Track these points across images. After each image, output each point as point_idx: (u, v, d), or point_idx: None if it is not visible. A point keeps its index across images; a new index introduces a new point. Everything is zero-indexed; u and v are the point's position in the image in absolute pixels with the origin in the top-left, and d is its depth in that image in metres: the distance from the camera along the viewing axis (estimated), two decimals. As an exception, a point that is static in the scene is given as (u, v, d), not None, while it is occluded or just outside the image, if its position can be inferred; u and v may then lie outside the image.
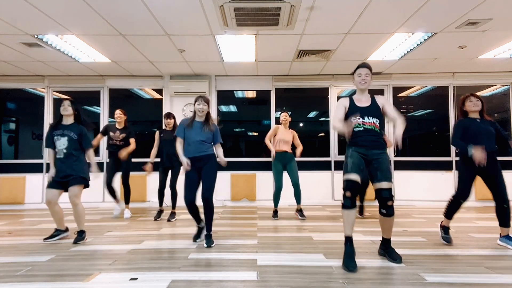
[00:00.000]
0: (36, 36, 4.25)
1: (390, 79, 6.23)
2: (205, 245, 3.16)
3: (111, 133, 4.91)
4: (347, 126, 2.54)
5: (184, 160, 3.21)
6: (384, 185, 2.59)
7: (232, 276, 2.37)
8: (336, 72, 6.09)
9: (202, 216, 3.35)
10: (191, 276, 2.36)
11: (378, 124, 2.66)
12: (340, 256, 2.80)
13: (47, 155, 3.33)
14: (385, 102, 2.75)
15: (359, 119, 2.65)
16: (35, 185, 6.10)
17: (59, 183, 3.36)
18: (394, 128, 2.59)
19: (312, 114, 7.15)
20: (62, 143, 3.37)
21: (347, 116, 2.71)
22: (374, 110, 2.68)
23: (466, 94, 3.22)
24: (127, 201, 4.97)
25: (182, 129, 3.32)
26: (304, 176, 5.98)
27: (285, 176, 4.66)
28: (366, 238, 3.49)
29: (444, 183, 6.03)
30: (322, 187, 6.10)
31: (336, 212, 5.02)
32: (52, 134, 3.42)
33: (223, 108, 6.93)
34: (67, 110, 3.42)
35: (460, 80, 6.20)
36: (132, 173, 6.01)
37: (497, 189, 3.06)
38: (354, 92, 2.86)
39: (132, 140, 4.92)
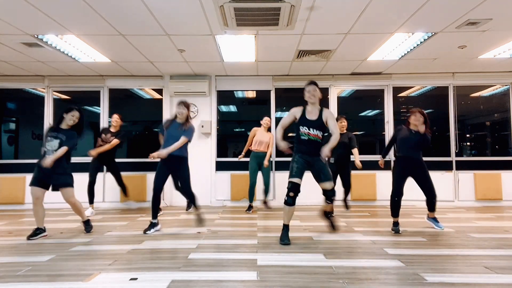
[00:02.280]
0: (36, 36, 4.25)
1: (390, 79, 6.23)
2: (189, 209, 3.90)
3: (103, 135, 5.13)
4: (284, 145, 3.34)
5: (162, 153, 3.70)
6: (327, 185, 3.41)
7: (232, 276, 2.37)
8: (336, 72, 6.09)
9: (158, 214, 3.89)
10: (191, 276, 2.36)
11: (320, 136, 3.36)
12: (340, 256, 2.81)
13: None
14: (329, 116, 3.36)
15: (305, 129, 3.34)
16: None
17: (43, 182, 3.54)
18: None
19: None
20: (53, 144, 3.55)
21: (297, 125, 3.39)
22: (319, 124, 3.34)
23: (415, 109, 3.86)
24: (126, 194, 5.37)
25: (161, 128, 3.91)
26: (305, 176, 5.98)
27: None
28: (366, 238, 3.49)
29: (444, 183, 6.04)
30: (322, 187, 6.10)
31: (337, 213, 5.02)
32: (47, 133, 3.63)
33: (223, 108, 6.94)
34: (74, 121, 3.63)
35: (460, 80, 6.20)
36: (131, 173, 6.04)
37: (426, 186, 3.77)
38: (307, 103, 3.44)
39: (115, 140, 5.09)
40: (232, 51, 4.96)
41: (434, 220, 3.99)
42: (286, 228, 3.35)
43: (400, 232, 3.74)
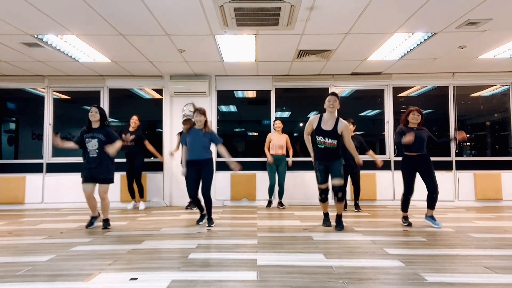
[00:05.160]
0: (36, 36, 4.25)
1: (390, 79, 6.23)
2: (207, 225, 4.06)
3: (123, 135, 5.49)
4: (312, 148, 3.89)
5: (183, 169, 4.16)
6: (335, 182, 3.75)
7: (232, 276, 2.37)
8: (336, 72, 6.09)
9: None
10: (191, 276, 2.36)
11: (335, 144, 3.73)
12: (340, 256, 2.81)
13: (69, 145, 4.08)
14: (344, 129, 3.71)
15: (321, 139, 3.73)
16: (35, 185, 6.09)
17: (92, 177, 3.95)
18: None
19: (312, 114, 7.14)
20: (93, 144, 3.95)
21: (313, 134, 3.78)
22: (334, 134, 3.70)
23: (412, 108, 4.06)
24: (141, 195, 5.70)
25: (184, 138, 4.17)
26: (305, 176, 5.99)
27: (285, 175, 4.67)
28: (366, 238, 3.49)
29: (444, 183, 6.03)
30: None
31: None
32: (83, 136, 4.00)
33: (223, 108, 6.94)
34: (94, 116, 3.97)
35: (460, 80, 6.20)
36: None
37: (430, 181, 3.93)
38: (325, 110, 3.80)
39: (145, 142, 5.69)
40: (232, 51, 4.96)
41: (432, 218, 4.06)
42: (326, 215, 4.07)
43: (412, 225, 4.02)
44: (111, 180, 4.05)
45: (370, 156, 5.16)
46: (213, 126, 6.25)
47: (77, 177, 3.94)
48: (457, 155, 6.19)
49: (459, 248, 3.10)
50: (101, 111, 4.03)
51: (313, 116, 3.82)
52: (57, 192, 6.06)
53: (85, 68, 5.68)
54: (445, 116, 6.29)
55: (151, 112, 6.65)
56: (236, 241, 3.37)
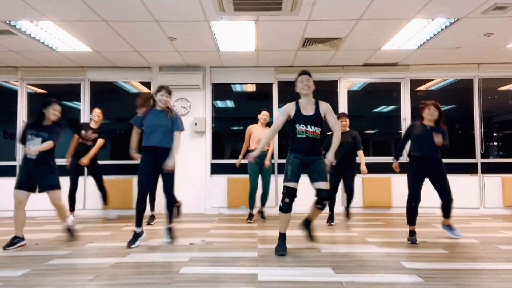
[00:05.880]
0: (8, 22, 4.24)
1: (407, 71, 6.23)
2: (166, 240, 3.75)
3: (82, 132, 5.17)
4: (251, 157, 3.61)
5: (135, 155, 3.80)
6: (322, 185, 3.33)
7: (229, 293, 2.36)
8: (347, 63, 6.08)
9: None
10: (183, 293, 2.35)
11: (318, 133, 3.38)
12: (351, 271, 2.80)
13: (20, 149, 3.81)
14: (327, 110, 3.40)
15: (302, 127, 3.34)
16: (7, 190, 6.02)
17: (28, 184, 3.65)
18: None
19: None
20: (35, 143, 3.61)
21: (292, 123, 3.39)
22: (316, 120, 3.37)
23: (428, 102, 3.94)
24: (106, 201, 5.40)
25: (139, 118, 3.78)
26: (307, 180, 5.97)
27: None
28: (380, 250, 3.49)
29: (468, 188, 6.03)
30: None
31: (338, 221, 5.02)
32: (25, 133, 3.69)
33: (219, 104, 6.94)
34: (57, 116, 3.72)
35: (486, 72, 6.19)
36: (115, 177, 6.03)
37: (442, 188, 3.80)
38: (300, 97, 3.47)
39: (100, 142, 5.25)
40: (229, 40, 4.95)
41: (449, 227, 4.01)
42: (282, 237, 3.40)
43: (418, 242, 3.74)
44: (58, 186, 3.76)
45: (358, 156, 4.90)
46: (208, 123, 6.25)
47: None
48: (482, 156, 6.18)
49: (485, 261, 3.09)
50: (63, 113, 3.80)
51: (287, 104, 3.47)
52: (31, 198, 6.03)
53: (63, 58, 5.68)
54: (469, 113, 6.29)
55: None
56: (233, 254, 3.36)
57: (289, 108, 3.41)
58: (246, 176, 5.26)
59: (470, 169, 6.12)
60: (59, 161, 5.62)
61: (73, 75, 6.23)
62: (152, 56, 5.68)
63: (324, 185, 3.33)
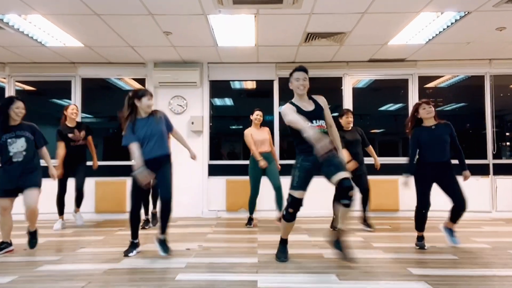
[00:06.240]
0: (-5, 16, 4.25)
1: (415, 67, 6.23)
2: (162, 253, 3.49)
3: (70, 135, 5.06)
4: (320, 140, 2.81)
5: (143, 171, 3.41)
6: (342, 175, 3.01)
7: (228, 301, 2.37)
8: (351, 58, 6.09)
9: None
10: (179, 301, 2.36)
11: (325, 126, 3.22)
12: (356, 278, 2.81)
13: None
14: (324, 103, 3.32)
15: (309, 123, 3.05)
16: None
17: (12, 190, 3.62)
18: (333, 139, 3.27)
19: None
20: (19, 145, 3.61)
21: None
22: (319, 112, 3.25)
23: (418, 102, 3.88)
24: (78, 205, 5.23)
25: (131, 132, 3.49)
26: (312, 182, 5.97)
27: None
28: (387, 256, 3.50)
29: (479, 190, 6.02)
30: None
31: (352, 225, 5.02)
32: (1, 138, 3.61)
33: (217, 102, 6.94)
34: (22, 113, 3.69)
35: (498, 68, 6.19)
36: (108, 179, 6.04)
37: (457, 196, 3.66)
38: (292, 97, 3.35)
39: (90, 139, 5.28)
40: (228, 34, 4.95)
41: (450, 232, 3.92)
42: (283, 242, 3.38)
43: (426, 248, 3.74)
44: (40, 186, 3.73)
45: (369, 153, 4.96)
46: (205, 122, 6.26)
47: (44, 183, 3.85)
48: (494, 157, 6.18)
49: (497, 267, 3.10)
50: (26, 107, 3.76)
51: (286, 106, 3.24)
52: (19, 201, 6.04)
53: (53, 54, 5.68)
54: (480, 111, 6.29)
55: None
56: (232, 260, 3.37)
57: (291, 106, 3.21)
58: (246, 177, 5.26)
59: (481, 171, 6.12)
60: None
61: (64, 71, 6.23)
62: (146, 51, 5.68)
63: (344, 174, 3.01)
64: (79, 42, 5.17)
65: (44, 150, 3.86)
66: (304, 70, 3.26)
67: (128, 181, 6.09)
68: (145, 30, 4.76)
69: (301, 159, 3.17)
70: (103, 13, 4.23)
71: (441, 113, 6.54)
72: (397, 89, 6.55)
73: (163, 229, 3.58)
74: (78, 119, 5.34)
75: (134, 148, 3.43)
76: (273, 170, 5.05)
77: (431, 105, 3.78)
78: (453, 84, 6.57)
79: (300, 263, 3.24)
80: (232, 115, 7.60)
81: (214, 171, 6.17)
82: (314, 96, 3.35)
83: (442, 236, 4.38)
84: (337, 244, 3.13)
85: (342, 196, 2.99)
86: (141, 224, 4.69)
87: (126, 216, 5.98)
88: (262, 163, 4.91)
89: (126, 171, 5.98)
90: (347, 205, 2.99)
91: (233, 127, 7.58)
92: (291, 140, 3.36)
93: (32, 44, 5.20)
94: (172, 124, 3.77)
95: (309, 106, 3.25)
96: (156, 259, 3.43)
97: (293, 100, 3.30)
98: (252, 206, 5.19)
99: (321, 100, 3.34)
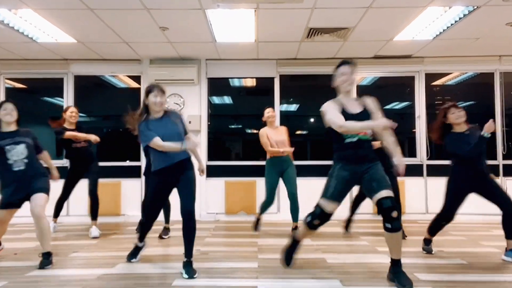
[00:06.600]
0: (-16, 10, 4.25)
1: (421, 63, 6.23)
2: (185, 276, 3.00)
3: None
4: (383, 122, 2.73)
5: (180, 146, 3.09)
6: (383, 193, 2.75)
7: (227, 307, 2.36)
8: (355, 55, 6.08)
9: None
10: (176, 308, 2.35)
11: (370, 133, 2.94)
12: (360, 283, 2.80)
13: None
14: (374, 106, 3.04)
15: None
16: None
17: (16, 202, 3.46)
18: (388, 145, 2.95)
19: (326, 107, 7.13)
20: (19, 152, 3.44)
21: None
22: (367, 118, 2.90)
23: (445, 106, 3.67)
24: (94, 216, 4.89)
25: (147, 129, 3.15)
26: (314, 184, 5.96)
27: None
28: (393, 260, 3.49)
29: (488, 192, 6.02)
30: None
31: (356, 229, 5.02)
32: None
33: (216, 100, 6.94)
34: (12, 116, 3.53)
35: (509, 65, 6.19)
36: (104, 180, 6.01)
37: (500, 199, 3.50)
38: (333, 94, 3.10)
39: (94, 137, 5.02)
40: (226, 29, 4.95)
41: None
42: (295, 244, 3.22)
43: (434, 252, 3.74)
44: (48, 191, 3.55)
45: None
46: (203, 121, 6.25)
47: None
48: (504, 157, 6.18)
49: (507, 273, 3.10)
50: (17, 108, 3.61)
51: (328, 103, 2.99)
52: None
53: (45, 50, 5.68)
54: (489, 109, 6.29)
55: (126, 105, 6.64)
56: (231, 265, 3.37)
57: (333, 104, 2.95)
58: (246, 179, 5.26)
59: (491, 172, 6.09)
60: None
61: (56, 68, 6.23)
62: (142, 47, 5.68)
63: (386, 192, 2.75)
64: (72, 38, 5.17)
65: (46, 153, 3.86)
66: (350, 64, 3.00)
67: (123, 182, 6.16)
68: (141, 26, 4.76)
69: (339, 168, 2.93)
70: (96, 8, 4.22)
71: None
72: (403, 86, 6.54)
73: (188, 251, 3.14)
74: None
75: (160, 142, 3.04)
76: (290, 175, 4.78)
77: (461, 108, 3.59)
78: (461, 82, 6.57)
79: (302, 268, 3.24)
80: (231, 114, 7.59)
81: (212, 172, 6.16)
82: (364, 97, 3.10)
83: (450, 240, 4.38)
84: (396, 276, 2.79)
85: (383, 219, 2.75)
86: (160, 233, 4.62)
87: (121, 219, 6.03)
88: (282, 150, 4.68)
89: (120, 172, 6.00)
90: (390, 230, 2.72)
91: (232, 126, 7.58)
92: (327, 142, 3.13)
93: (22, 40, 5.20)
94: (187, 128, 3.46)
95: (355, 108, 2.98)
96: (152, 263, 3.43)
97: (338, 98, 3.04)
98: (263, 211, 4.96)
99: (370, 101, 3.07)
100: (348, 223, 4.84)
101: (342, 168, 2.91)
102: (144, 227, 3.51)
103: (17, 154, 3.45)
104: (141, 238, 3.53)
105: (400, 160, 2.87)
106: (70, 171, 4.99)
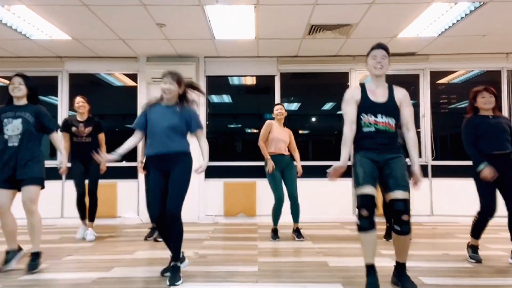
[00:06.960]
0: (-24, 6, 4.25)
1: (426, 61, 6.23)
2: (167, 284, 2.81)
3: (73, 129, 4.78)
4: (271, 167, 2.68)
5: (110, 157, 3.08)
6: (398, 194, 2.66)
7: (226, 312, 2.36)
8: (358, 52, 6.08)
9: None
10: (174, 313, 2.35)
11: (393, 125, 2.81)
12: (363, 286, 2.79)
13: None
14: (404, 99, 2.91)
15: (370, 117, 2.79)
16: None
17: (10, 181, 3.21)
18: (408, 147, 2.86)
19: (328, 106, 7.15)
20: (15, 126, 3.26)
21: (358, 113, 2.82)
22: (391, 109, 2.82)
23: (478, 88, 3.55)
24: (91, 218, 4.81)
25: (143, 116, 3.16)
26: (316, 185, 5.97)
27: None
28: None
29: (496, 194, 6.01)
30: (340, 199, 6.09)
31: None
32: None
33: (214, 99, 6.94)
34: (20, 89, 3.36)
35: (516, 62, 6.21)
36: (100, 181, 6.00)
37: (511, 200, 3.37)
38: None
39: (102, 136, 4.93)
40: (226, 26, 4.96)
41: None
42: (371, 272, 2.70)
43: (482, 262, 3.48)
44: (41, 181, 3.30)
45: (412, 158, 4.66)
46: (202, 121, 6.24)
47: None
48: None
49: (516, 276, 3.09)
50: (29, 83, 3.43)
51: (350, 89, 2.99)
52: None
53: (39, 47, 5.68)
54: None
55: (123, 103, 6.66)
56: (230, 268, 3.36)
57: (354, 93, 2.89)
58: (245, 180, 5.26)
59: None
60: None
61: (50, 66, 6.23)
62: (138, 44, 5.68)
63: (401, 194, 2.66)
64: (66, 34, 5.17)
65: (54, 135, 3.49)
66: (384, 47, 2.95)
67: (119, 184, 6.16)
68: (137, 22, 4.76)
69: (360, 155, 2.81)
70: (92, 4, 4.22)
71: (453, 111, 6.61)
72: (407, 85, 6.52)
73: (173, 254, 2.97)
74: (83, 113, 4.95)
75: (133, 136, 3.16)
76: (291, 176, 4.73)
77: (492, 95, 3.47)
78: (467, 80, 6.57)
79: (303, 271, 3.23)
80: (230, 113, 7.60)
81: (211, 173, 6.15)
82: (395, 87, 2.99)
83: (456, 243, 4.38)
84: (400, 280, 2.77)
85: (393, 220, 2.70)
86: (155, 236, 4.49)
87: (117, 221, 6.03)
88: (269, 165, 4.60)
89: (116, 173, 5.99)
90: (399, 232, 2.69)
91: (232, 125, 7.58)
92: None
93: (16, 37, 5.20)
94: (199, 125, 3.27)
95: (380, 97, 2.87)
96: (149, 267, 3.43)
97: (366, 83, 2.96)
98: (277, 215, 4.72)
99: (400, 93, 2.95)
100: (387, 230, 4.56)
101: (363, 155, 2.80)
102: (159, 229, 3.30)
103: (13, 128, 3.27)
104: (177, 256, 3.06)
105: (419, 171, 2.78)
106: (74, 167, 4.80)
